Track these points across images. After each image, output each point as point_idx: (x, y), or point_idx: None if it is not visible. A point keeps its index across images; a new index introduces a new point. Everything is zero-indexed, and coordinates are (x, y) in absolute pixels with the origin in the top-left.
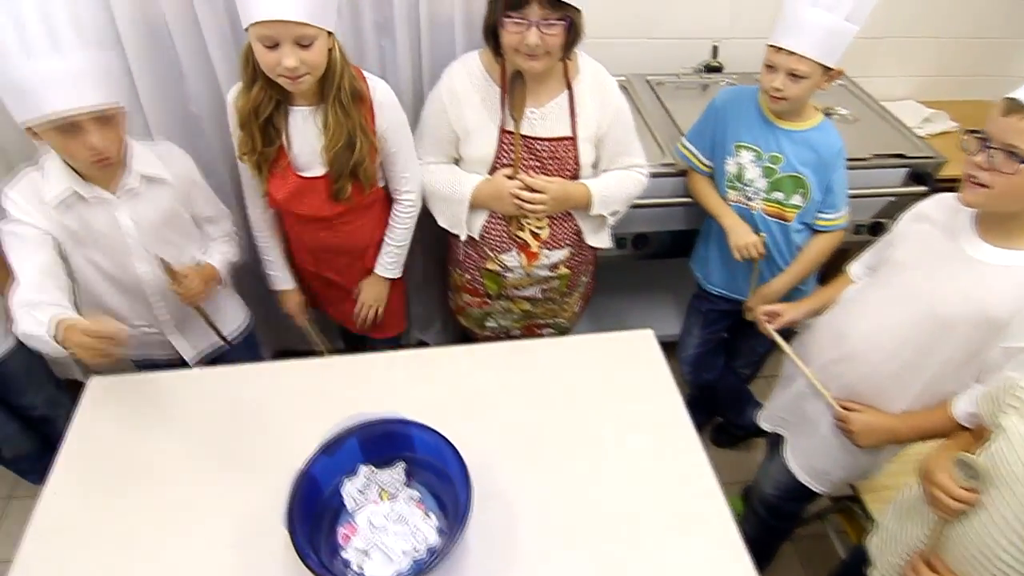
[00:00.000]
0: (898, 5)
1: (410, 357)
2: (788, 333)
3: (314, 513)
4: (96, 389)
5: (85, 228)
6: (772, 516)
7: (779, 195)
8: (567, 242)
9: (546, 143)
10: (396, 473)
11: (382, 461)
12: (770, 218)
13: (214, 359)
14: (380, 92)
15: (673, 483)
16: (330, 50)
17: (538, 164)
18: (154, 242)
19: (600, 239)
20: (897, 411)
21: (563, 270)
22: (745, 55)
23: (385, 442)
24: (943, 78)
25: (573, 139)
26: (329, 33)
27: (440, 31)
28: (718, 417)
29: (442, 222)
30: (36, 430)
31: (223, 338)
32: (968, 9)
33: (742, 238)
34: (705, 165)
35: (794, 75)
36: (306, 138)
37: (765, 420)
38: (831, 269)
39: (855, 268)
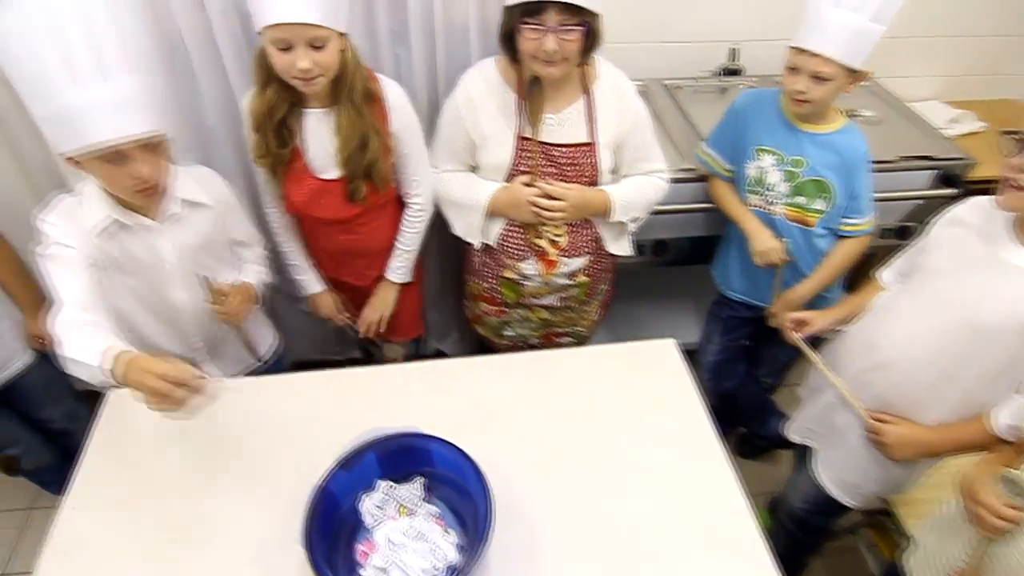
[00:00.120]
0: (921, 4)
1: (428, 368)
2: (815, 342)
3: (332, 529)
4: (114, 402)
5: (125, 255)
6: (801, 530)
7: (801, 199)
8: (586, 250)
9: (564, 149)
10: (415, 488)
11: (400, 476)
12: (792, 223)
13: None
14: (392, 93)
15: (699, 497)
16: (343, 51)
17: (556, 171)
18: (192, 268)
19: (620, 246)
20: (932, 423)
21: (582, 278)
22: (765, 57)
23: (403, 457)
24: (968, 77)
25: (592, 145)
26: (341, 34)
27: (455, 38)
28: (741, 427)
29: (457, 230)
30: (56, 442)
31: (257, 358)
32: (992, 7)
33: (763, 243)
34: (726, 170)
35: (818, 77)
36: (320, 140)
37: (793, 431)
38: (857, 275)
39: (886, 275)
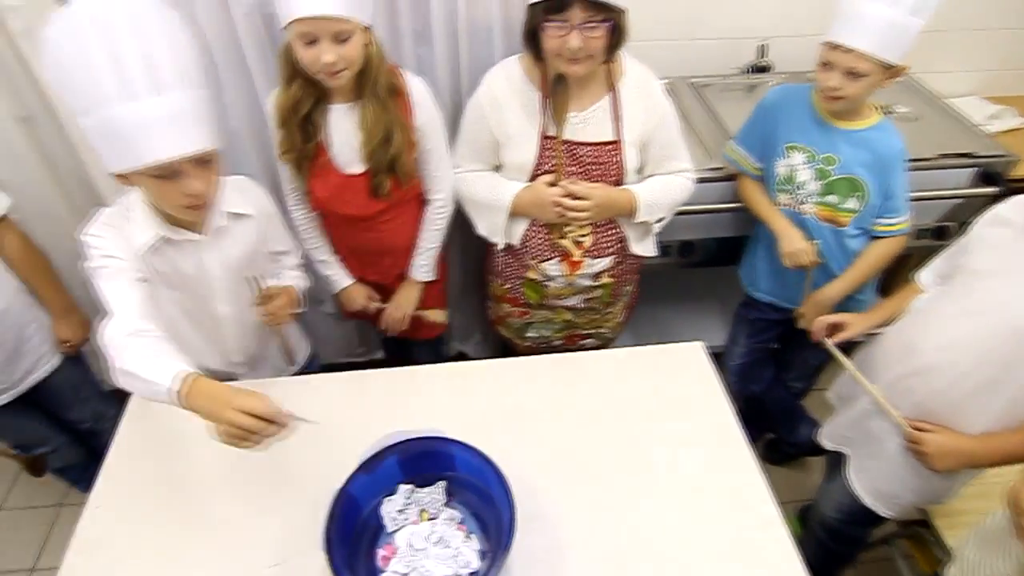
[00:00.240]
0: None
1: (451, 370)
2: (847, 346)
3: (353, 533)
4: (138, 403)
5: (173, 270)
6: (834, 540)
7: (832, 198)
8: (611, 250)
9: (589, 148)
10: (436, 493)
11: (422, 480)
12: (823, 223)
13: None
14: (416, 88)
15: (728, 505)
16: (367, 45)
17: (581, 170)
18: (236, 281)
19: (645, 247)
20: (975, 432)
21: (606, 279)
22: (795, 53)
23: (425, 460)
24: (1007, 72)
25: (618, 143)
26: (365, 29)
27: (479, 37)
28: (769, 433)
29: (481, 230)
30: (84, 442)
31: (293, 362)
32: None
33: (793, 244)
34: (755, 168)
35: (853, 73)
36: (345, 135)
37: (826, 437)
38: (892, 277)
39: (925, 276)
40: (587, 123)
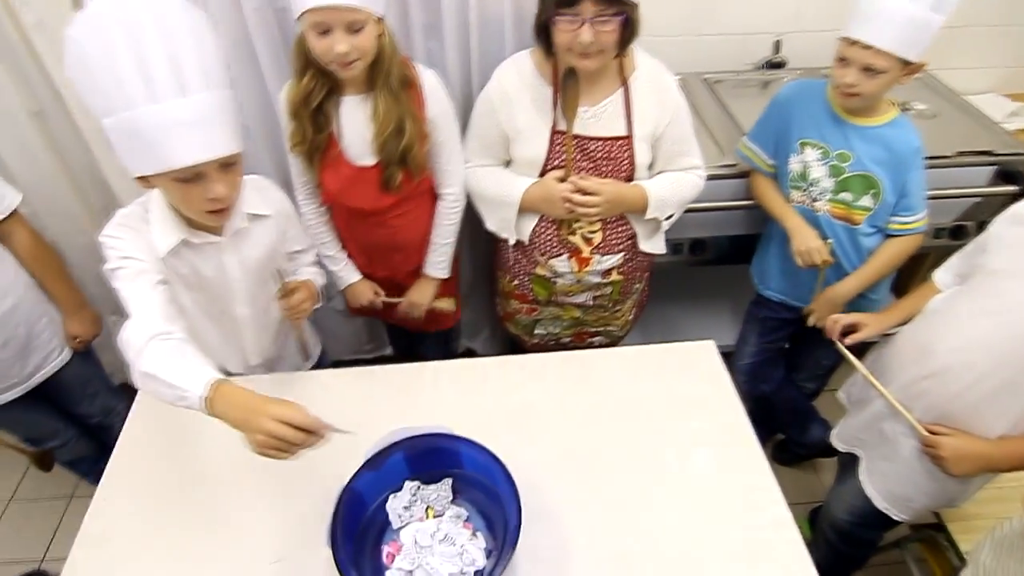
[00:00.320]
0: None
1: (458, 367)
2: (861, 347)
3: (358, 530)
4: (147, 398)
5: (193, 273)
6: (844, 543)
7: (847, 196)
8: (621, 247)
9: (600, 143)
10: (443, 490)
11: (428, 477)
12: (836, 221)
13: None
14: (429, 80)
15: (738, 506)
16: (380, 36)
17: (591, 165)
18: (255, 282)
19: (654, 244)
20: (992, 435)
21: (616, 276)
22: (811, 49)
23: (432, 457)
24: None
25: (629, 139)
26: (379, 20)
27: (489, 31)
28: (779, 434)
29: (490, 225)
30: (94, 435)
31: (307, 357)
32: None
33: (805, 242)
34: (768, 165)
35: (870, 70)
36: (356, 127)
37: (839, 439)
38: (907, 277)
39: (942, 275)
40: (598, 118)
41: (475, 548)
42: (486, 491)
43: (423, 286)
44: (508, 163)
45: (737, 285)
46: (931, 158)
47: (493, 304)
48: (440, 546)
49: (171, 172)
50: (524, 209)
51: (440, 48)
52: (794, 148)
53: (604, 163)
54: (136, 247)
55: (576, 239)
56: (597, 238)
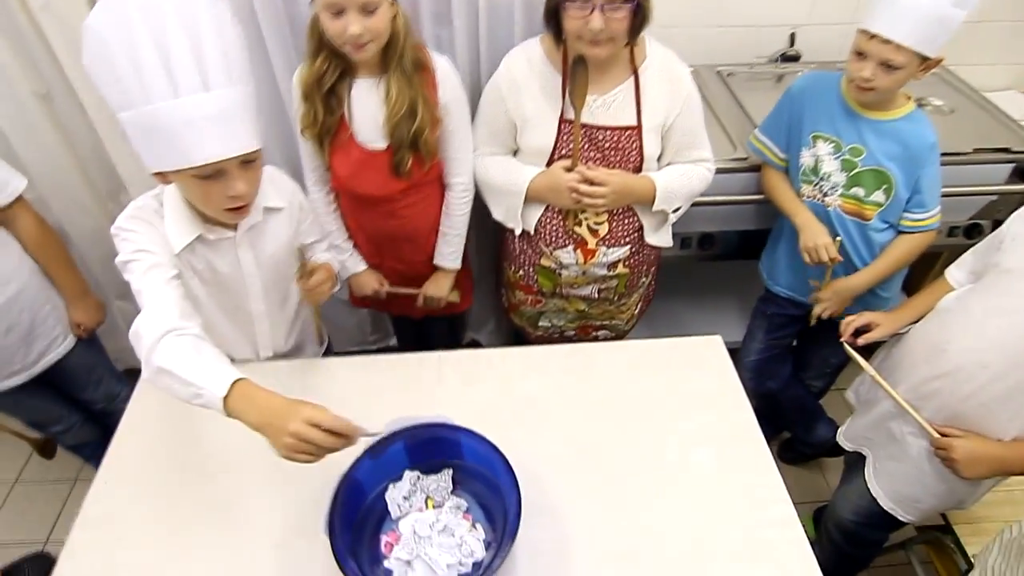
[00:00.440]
0: None
1: (462, 357)
2: (870, 345)
3: (357, 518)
4: (148, 382)
5: (207, 268)
6: (849, 543)
7: (859, 191)
8: (627, 240)
9: (608, 133)
10: (443, 480)
11: (429, 467)
12: (847, 216)
13: None
14: (442, 65)
15: (742, 504)
16: (393, 18)
17: (599, 155)
18: (271, 278)
19: (661, 237)
20: (1006, 437)
21: (621, 269)
22: (826, 43)
23: (432, 447)
24: None
25: (638, 129)
26: (392, 2)
27: (499, 18)
28: (785, 432)
29: (497, 215)
30: (98, 421)
31: (323, 343)
32: None
33: (813, 239)
34: (779, 158)
35: (887, 65)
36: (368, 110)
37: (846, 438)
38: (919, 276)
39: (955, 272)
40: (607, 107)
41: (474, 540)
42: (486, 482)
43: (439, 279)
44: (516, 152)
45: (745, 281)
46: (947, 154)
47: (499, 296)
48: (439, 537)
49: (191, 169)
50: (530, 199)
51: (449, 35)
52: (806, 141)
53: (612, 153)
54: (150, 240)
55: (582, 230)
56: (603, 230)
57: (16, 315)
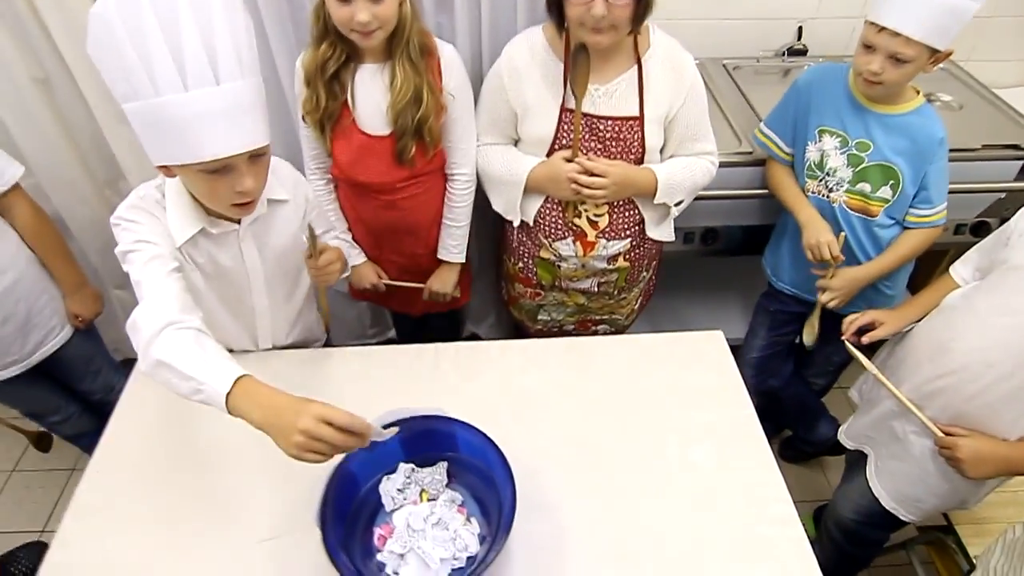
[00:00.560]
0: None
1: (459, 350)
2: (874, 343)
3: (350, 511)
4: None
5: (210, 262)
6: (849, 543)
7: (865, 186)
8: (628, 233)
9: (610, 123)
10: (438, 473)
11: (423, 460)
12: (852, 212)
13: None
14: (448, 51)
15: (742, 502)
16: (400, 4)
17: (600, 146)
18: (275, 273)
19: (662, 231)
20: (1012, 437)
21: (622, 263)
22: (834, 36)
23: (427, 440)
24: None
25: (640, 119)
26: None
27: (501, 6)
28: (787, 430)
29: (497, 206)
30: (96, 411)
31: (329, 330)
32: None
33: (816, 236)
34: (785, 153)
35: (896, 58)
36: (372, 95)
37: (847, 436)
38: (925, 275)
39: (960, 269)
40: (609, 96)
41: (468, 533)
42: (482, 476)
43: (443, 274)
44: (517, 142)
45: (749, 277)
46: (955, 151)
47: (499, 290)
48: (433, 530)
49: (199, 164)
50: (530, 189)
51: (450, 22)
52: (812, 135)
53: (613, 144)
54: (151, 231)
55: (581, 222)
56: (603, 222)
57: (12, 305)
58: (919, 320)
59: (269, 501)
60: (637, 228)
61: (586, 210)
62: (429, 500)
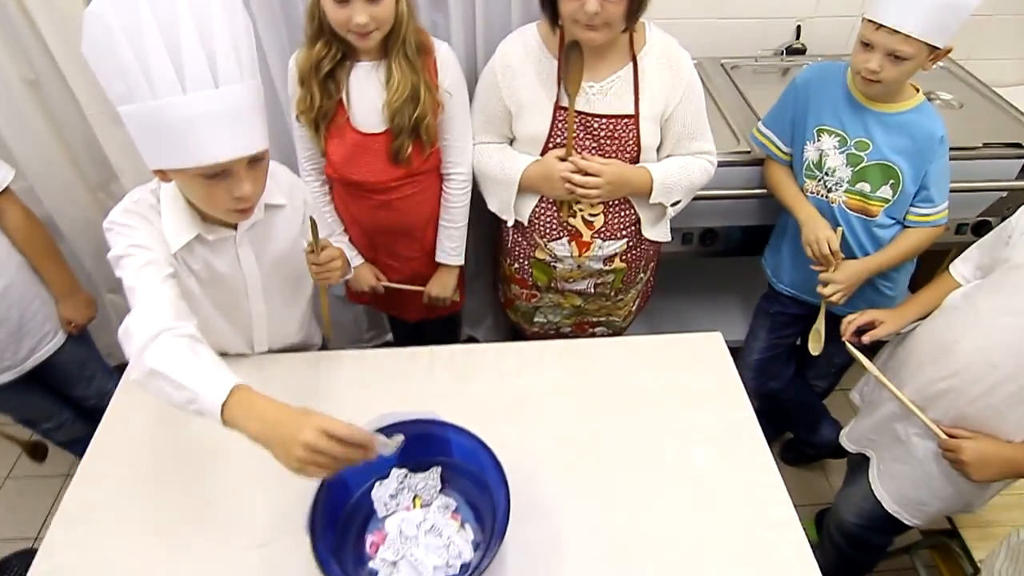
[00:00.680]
0: None
1: (454, 353)
2: (874, 344)
3: (341, 517)
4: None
5: (206, 268)
6: (852, 547)
7: (865, 186)
8: (623, 233)
9: (604, 121)
10: (431, 478)
11: (416, 464)
12: (852, 212)
13: None
14: (443, 49)
15: (742, 506)
16: (396, 3)
17: (595, 144)
18: (271, 280)
19: (659, 231)
20: (1016, 439)
21: (618, 264)
22: (833, 36)
23: (420, 444)
24: None
25: (635, 117)
26: None
27: (495, 3)
28: (788, 433)
29: (492, 206)
30: (89, 417)
31: (331, 335)
32: None
33: (814, 232)
34: (783, 152)
35: (895, 56)
36: (367, 94)
37: (849, 439)
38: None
39: (961, 268)
40: (604, 94)
41: (462, 540)
42: (476, 481)
43: (442, 277)
44: (512, 141)
45: (748, 278)
46: (956, 149)
47: (496, 292)
48: (426, 537)
49: (197, 168)
50: (524, 189)
51: (445, 20)
52: (810, 135)
53: (608, 142)
54: (146, 236)
55: (576, 222)
56: (598, 222)
57: (5, 311)
58: (919, 319)
59: (260, 507)
60: (633, 228)
61: (581, 210)
62: (422, 506)
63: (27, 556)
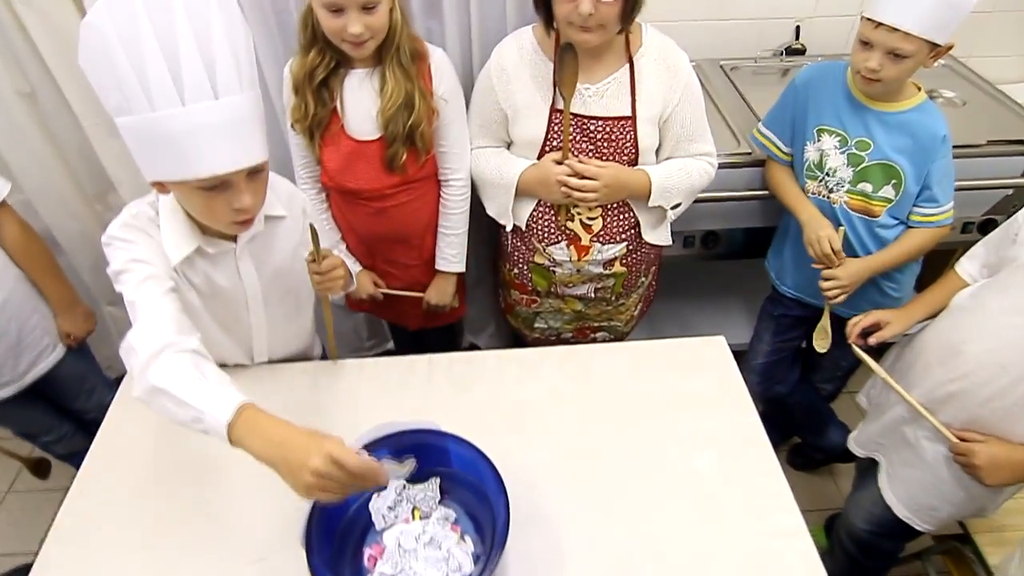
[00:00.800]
0: None
1: (453, 361)
2: (880, 347)
3: (338, 530)
4: (127, 391)
5: (206, 282)
6: (862, 554)
7: (867, 186)
8: (623, 237)
9: (601, 123)
10: (430, 490)
11: (415, 476)
12: (854, 213)
13: None
14: (438, 56)
15: (747, 513)
16: (390, 11)
17: (592, 147)
18: (272, 292)
19: (659, 235)
20: None
21: (618, 268)
22: (832, 36)
23: (419, 455)
24: None
25: (632, 119)
26: None
27: (490, 8)
28: (795, 437)
29: (491, 211)
30: (89, 430)
31: (325, 346)
32: None
33: (815, 231)
34: (784, 153)
35: (895, 54)
36: (361, 101)
37: (857, 443)
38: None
39: (967, 266)
40: (600, 96)
41: (462, 553)
42: (475, 492)
43: (441, 284)
44: (510, 145)
45: (752, 281)
46: (960, 147)
47: (497, 299)
48: (425, 550)
49: (196, 181)
50: (521, 193)
51: (440, 27)
52: (811, 135)
53: (605, 145)
54: (145, 250)
55: (574, 226)
56: (597, 225)
57: (3, 325)
58: (926, 319)
59: (257, 520)
60: (633, 232)
61: (579, 213)
62: (421, 518)
63: (27, 571)
